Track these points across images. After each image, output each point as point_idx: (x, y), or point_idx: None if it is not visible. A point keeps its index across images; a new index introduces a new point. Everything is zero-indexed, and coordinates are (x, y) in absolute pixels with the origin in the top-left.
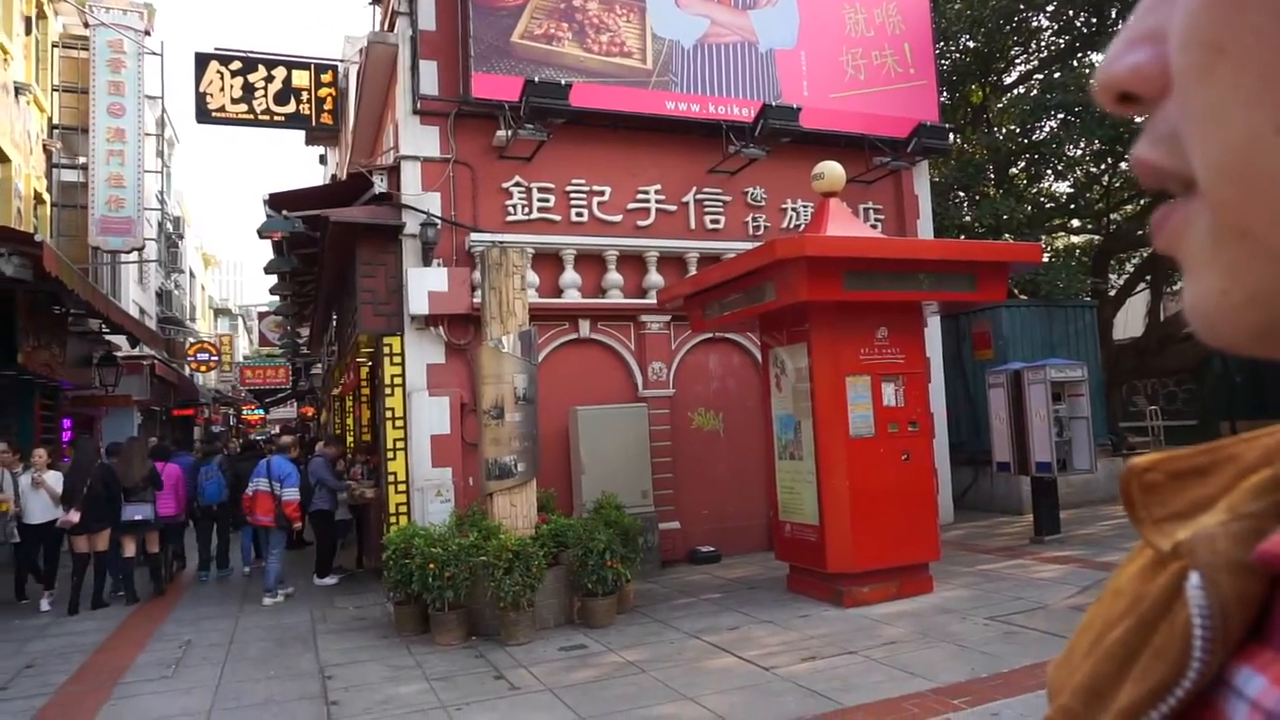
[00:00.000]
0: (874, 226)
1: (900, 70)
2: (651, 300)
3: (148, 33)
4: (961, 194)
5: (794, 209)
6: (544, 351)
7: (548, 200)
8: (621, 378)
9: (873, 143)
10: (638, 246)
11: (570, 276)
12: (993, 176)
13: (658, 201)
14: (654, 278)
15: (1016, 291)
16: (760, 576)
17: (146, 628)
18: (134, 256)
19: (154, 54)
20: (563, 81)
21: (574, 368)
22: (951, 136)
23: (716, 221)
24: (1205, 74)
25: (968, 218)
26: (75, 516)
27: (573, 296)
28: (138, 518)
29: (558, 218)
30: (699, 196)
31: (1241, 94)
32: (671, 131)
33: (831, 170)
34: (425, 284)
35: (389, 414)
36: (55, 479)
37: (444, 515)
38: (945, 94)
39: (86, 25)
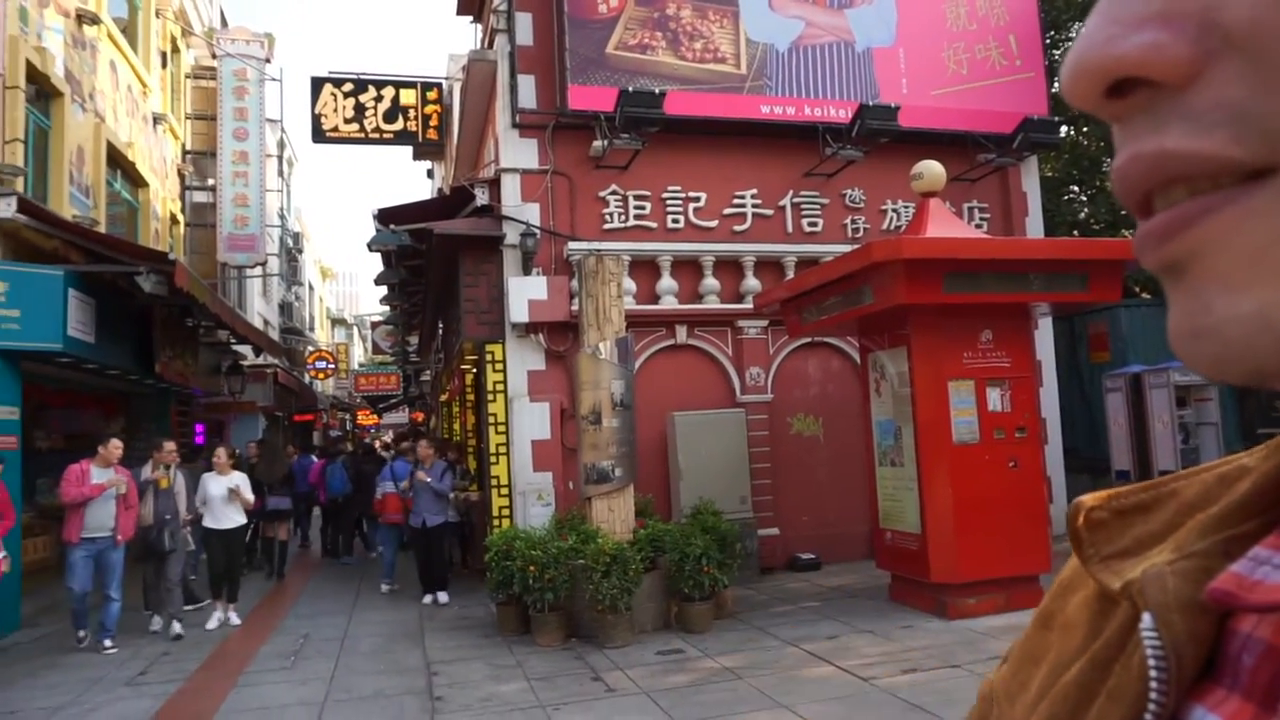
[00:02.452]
0: (978, 226)
1: (1005, 63)
2: (748, 305)
3: (268, 60)
4: (1075, 189)
5: (894, 210)
6: (641, 358)
7: (644, 208)
8: (719, 383)
9: (977, 140)
10: (734, 251)
11: (667, 283)
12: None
13: (754, 206)
14: (751, 283)
15: (1138, 290)
16: (861, 585)
17: (269, 621)
18: (258, 271)
19: (274, 80)
20: (657, 90)
21: (671, 374)
22: (1064, 129)
23: (814, 225)
24: None
25: (1083, 214)
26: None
27: (669, 303)
28: (279, 507)
29: (654, 225)
30: (796, 200)
31: None
32: (767, 135)
33: (931, 170)
34: (525, 293)
35: (492, 419)
36: (244, 481)
37: (545, 519)
38: (1057, 85)
39: (214, 56)
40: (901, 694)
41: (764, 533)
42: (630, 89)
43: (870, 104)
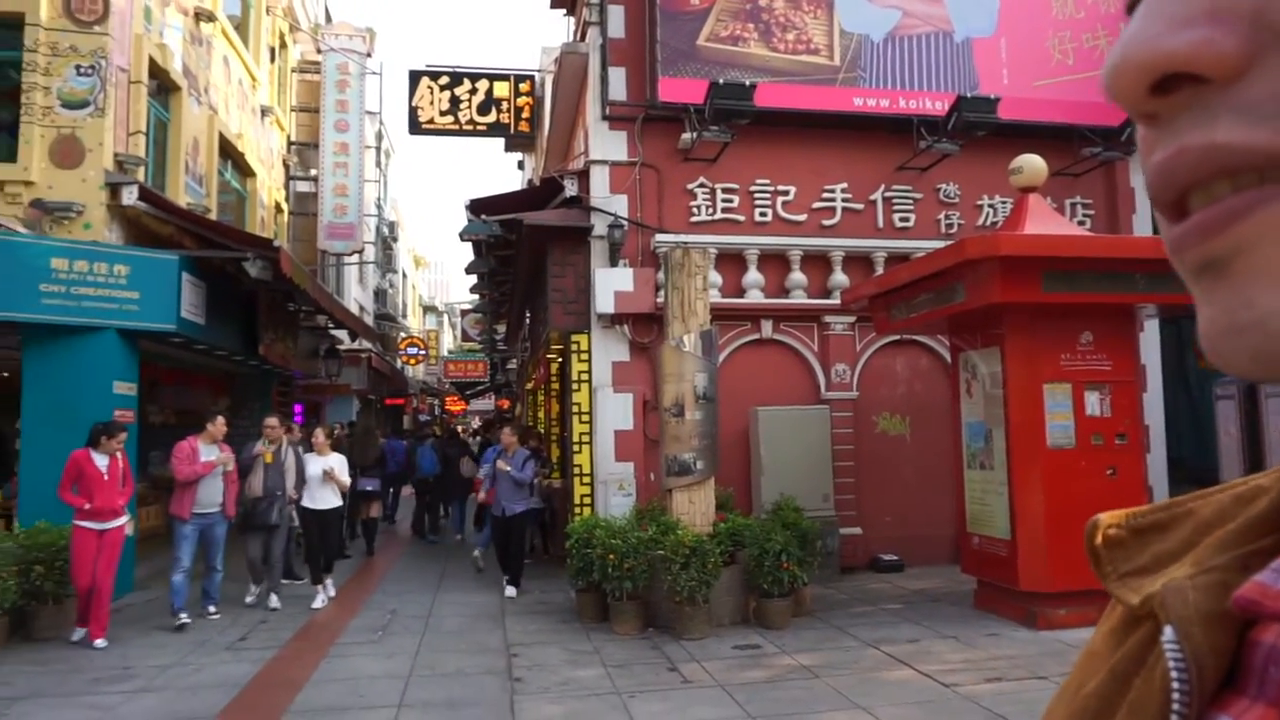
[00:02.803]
0: (1081, 223)
1: None
2: (835, 301)
3: (369, 54)
4: None
5: (990, 206)
6: (725, 351)
7: (732, 201)
8: (803, 379)
9: (1081, 133)
10: (822, 246)
11: (753, 276)
12: None
13: (844, 200)
14: (839, 278)
15: None
16: (945, 589)
17: (360, 596)
18: (355, 258)
19: (374, 74)
20: (747, 82)
21: (755, 368)
22: None
23: (906, 220)
24: None
25: None
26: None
27: (755, 296)
28: (369, 488)
29: (741, 218)
30: (888, 194)
31: None
32: (859, 128)
33: (1031, 164)
34: (611, 284)
35: (576, 409)
36: (340, 464)
37: (625, 508)
38: None
39: (319, 51)
40: (984, 702)
41: (846, 532)
42: (720, 81)
43: (968, 96)
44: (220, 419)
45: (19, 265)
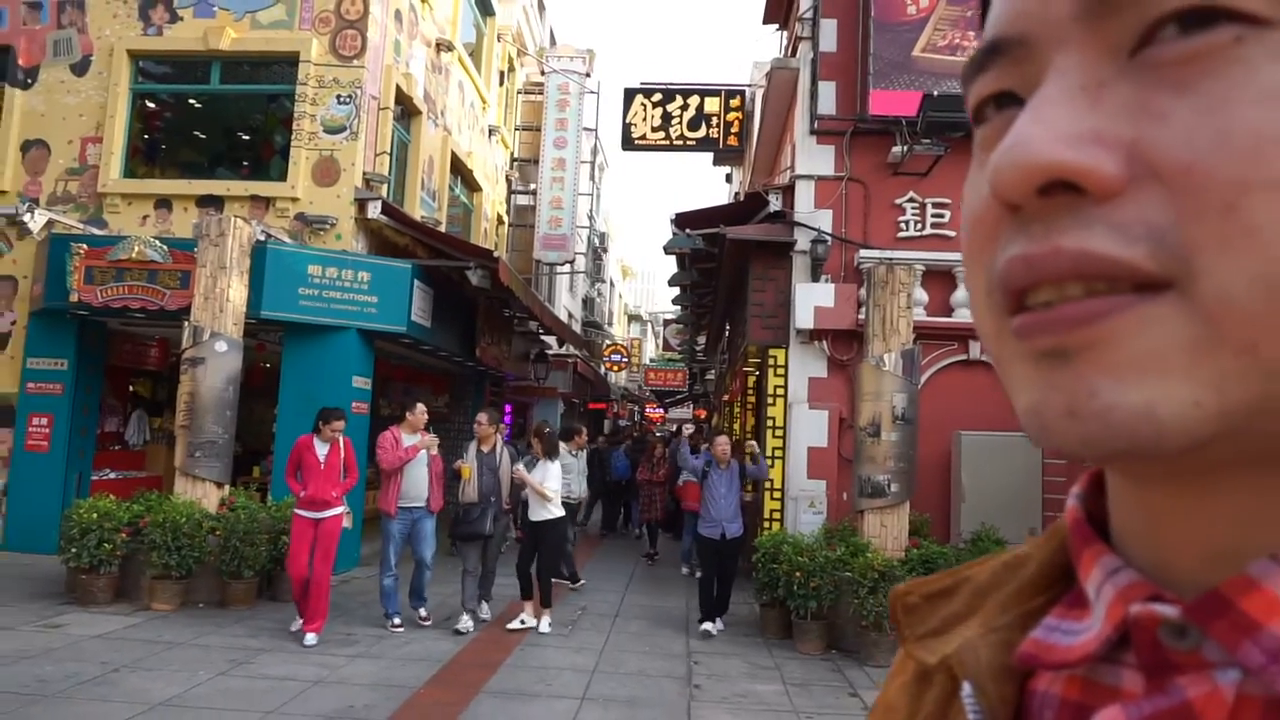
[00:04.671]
0: None
1: None
2: None
3: (588, 74)
4: None
5: None
6: (929, 372)
7: (942, 216)
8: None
9: None
10: None
11: (962, 295)
12: None
13: None
14: None
15: None
16: None
17: (554, 591)
18: (567, 268)
19: (592, 93)
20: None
21: (960, 390)
22: None
23: None
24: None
25: None
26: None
27: (964, 315)
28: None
29: (952, 233)
30: None
31: None
32: None
33: None
34: (812, 299)
35: (770, 423)
36: (554, 473)
37: (815, 526)
38: None
39: (542, 73)
40: None
41: None
42: (934, 93)
43: None
44: (420, 406)
45: (285, 271)
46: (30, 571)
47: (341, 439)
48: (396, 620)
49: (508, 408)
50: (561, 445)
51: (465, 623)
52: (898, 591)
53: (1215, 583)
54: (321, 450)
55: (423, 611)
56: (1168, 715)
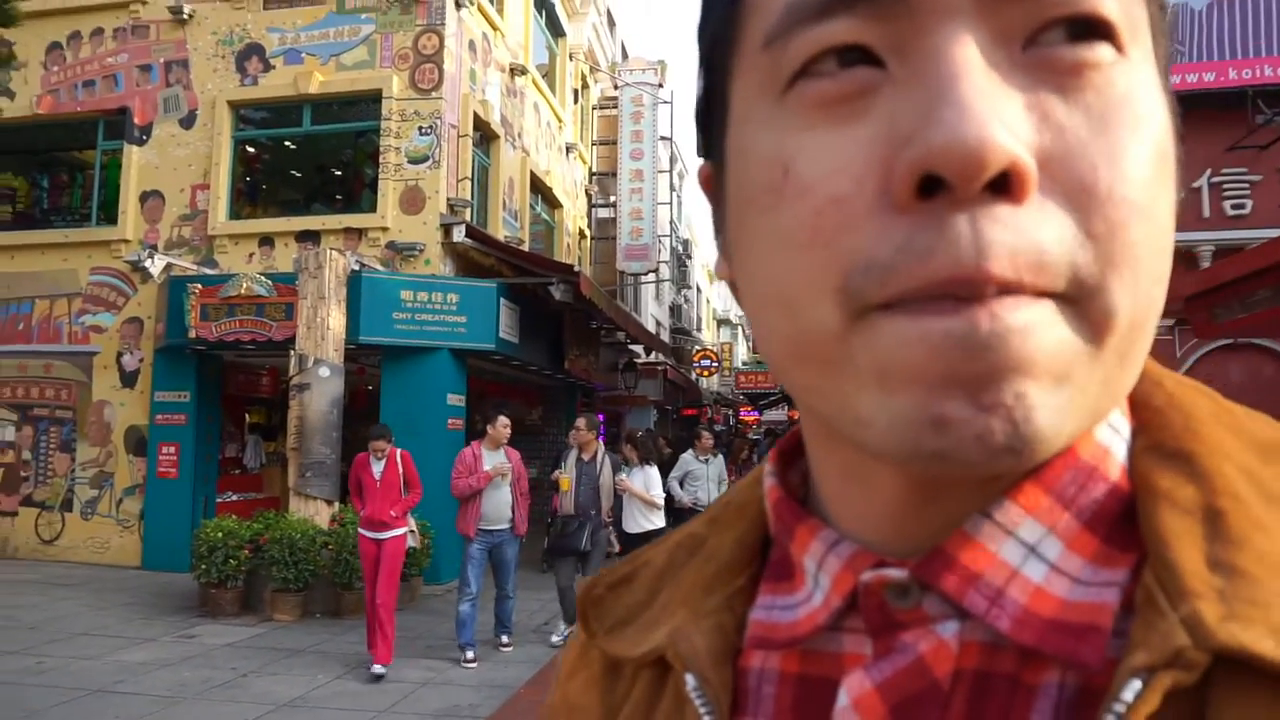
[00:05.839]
0: None
1: None
2: None
3: (660, 85)
4: None
5: None
6: None
7: None
8: None
9: None
10: None
11: None
12: None
13: None
14: None
15: None
16: None
17: None
18: (651, 277)
19: (665, 103)
20: None
21: None
22: None
23: (1240, 206)
24: None
25: None
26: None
27: None
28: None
29: None
30: (1215, 180)
31: None
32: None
33: None
34: None
35: None
36: (654, 480)
37: None
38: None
39: (616, 87)
40: None
41: None
42: None
43: None
44: (502, 419)
45: (379, 297)
46: (167, 588)
47: (399, 453)
48: (470, 655)
49: (600, 417)
50: (687, 454)
51: (561, 632)
52: (584, 586)
53: (932, 545)
54: (377, 468)
55: (505, 638)
56: (905, 672)
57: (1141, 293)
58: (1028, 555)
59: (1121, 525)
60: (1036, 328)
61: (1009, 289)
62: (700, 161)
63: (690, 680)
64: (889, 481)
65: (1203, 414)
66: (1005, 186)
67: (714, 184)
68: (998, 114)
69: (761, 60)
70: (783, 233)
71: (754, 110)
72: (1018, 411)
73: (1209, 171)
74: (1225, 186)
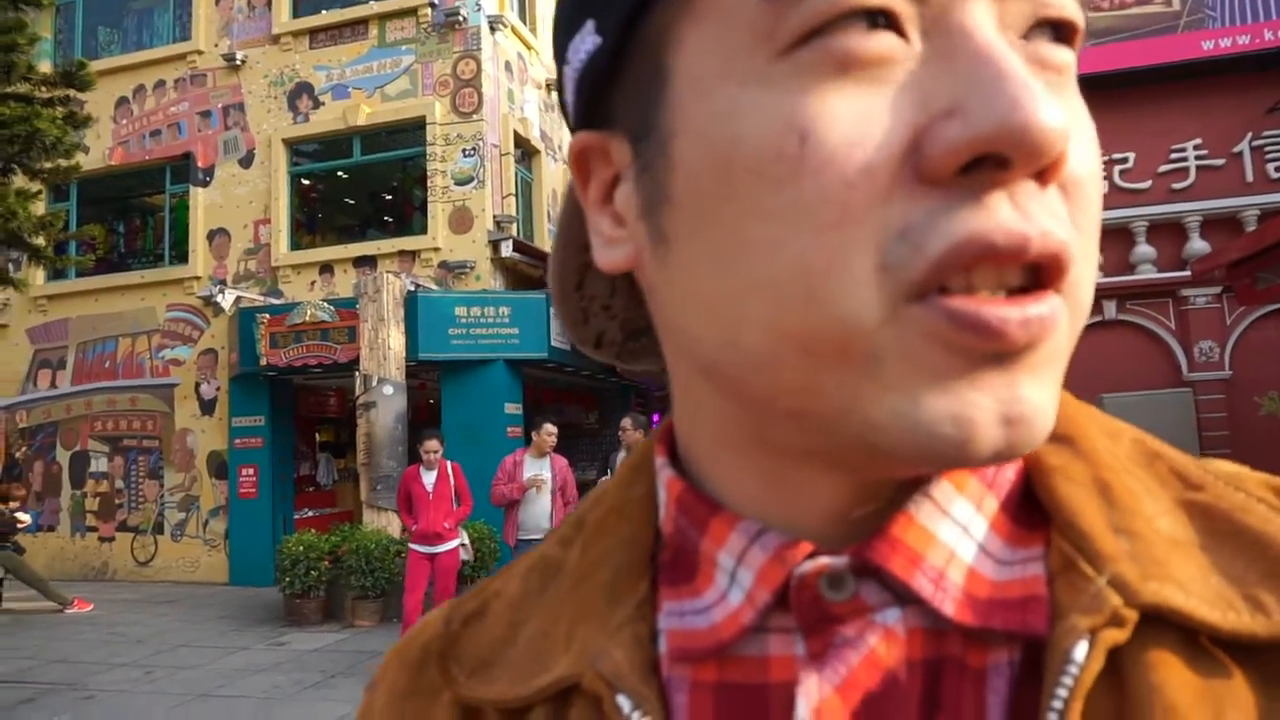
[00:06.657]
0: None
1: None
2: (1189, 273)
3: None
4: None
5: None
6: None
7: None
8: (1158, 361)
9: None
10: (1173, 213)
11: (1144, 250)
12: None
13: (1197, 158)
14: (1197, 245)
15: None
16: None
17: None
18: None
19: None
20: None
21: (1099, 353)
22: None
23: None
24: None
25: None
26: None
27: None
28: None
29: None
30: (1256, 143)
31: None
32: (1212, 74)
33: None
34: None
35: None
36: None
37: None
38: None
39: None
40: None
41: None
42: None
43: None
44: (547, 427)
45: (435, 316)
46: (254, 601)
47: (450, 465)
48: None
49: (655, 416)
50: None
51: None
52: (438, 623)
53: (861, 533)
54: (428, 479)
55: None
56: (862, 668)
57: (1091, 284)
58: (961, 535)
59: (1024, 504)
60: (1055, 324)
61: (1038, 277)
62: (570, 136)
63: (624, 702)
64: (829, 486)
65: (1070, 403)
66: (1043, 172)
67: (609, 159)
68: (1049, 97)
69: (751, 11)
70: (803, 208)
71: (736, 67)
72: (1035, 414)
73: (1249, 135)
74: (1267, 149)
